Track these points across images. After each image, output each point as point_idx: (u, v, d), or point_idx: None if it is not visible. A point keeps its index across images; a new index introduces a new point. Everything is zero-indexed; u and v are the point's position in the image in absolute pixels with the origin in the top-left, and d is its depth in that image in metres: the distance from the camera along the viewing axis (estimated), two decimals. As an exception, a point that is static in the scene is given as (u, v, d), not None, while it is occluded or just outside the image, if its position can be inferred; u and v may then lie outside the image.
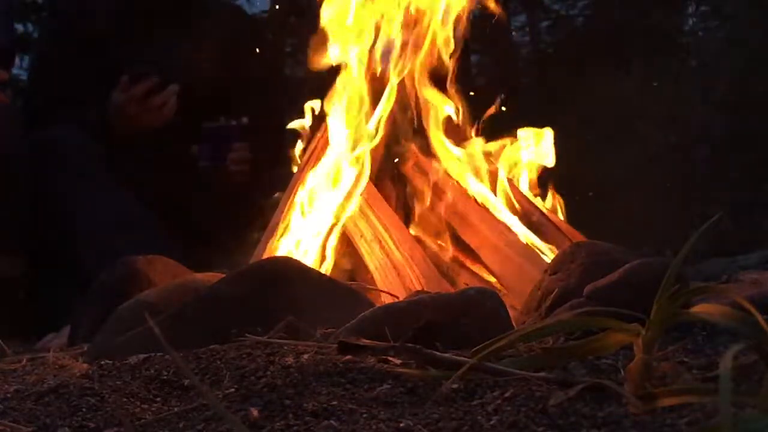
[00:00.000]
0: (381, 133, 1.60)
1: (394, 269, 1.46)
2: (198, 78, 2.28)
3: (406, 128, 1.65)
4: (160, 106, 2.21)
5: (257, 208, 1.85)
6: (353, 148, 1.59)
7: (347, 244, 1.57)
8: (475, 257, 1.56)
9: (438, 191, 1.60)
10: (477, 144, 1.68)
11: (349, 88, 1.62)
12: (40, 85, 2.37)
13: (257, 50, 2.56)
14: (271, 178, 2.18)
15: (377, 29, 1.61)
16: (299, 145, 1.79)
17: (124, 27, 2.31)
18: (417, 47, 1.61)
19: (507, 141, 1.74)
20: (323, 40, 1.61)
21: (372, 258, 1.50)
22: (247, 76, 2.41)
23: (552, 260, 1.29)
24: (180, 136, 2.28)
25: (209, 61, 2.35)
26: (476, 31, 1.69)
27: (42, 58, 2.47)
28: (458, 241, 1.59)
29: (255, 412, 0.75)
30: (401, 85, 1.63)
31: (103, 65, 2.26)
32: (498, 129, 1.74)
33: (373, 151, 1.60)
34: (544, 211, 1.67)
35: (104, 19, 2.31)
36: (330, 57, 1.62)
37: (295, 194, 1.64)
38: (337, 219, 1.55)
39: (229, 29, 2.43)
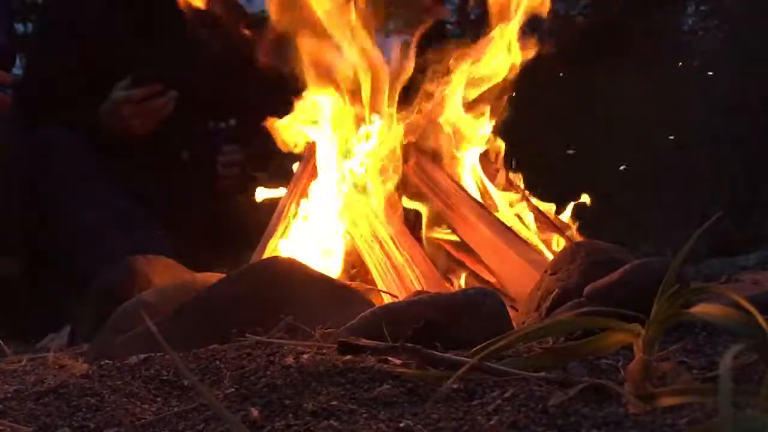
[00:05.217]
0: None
1: (394, 269, 1.46)
2: (194, 80, 2.28)
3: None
4: (156, 112, 2.20)
5: (251, 209, 1.85)
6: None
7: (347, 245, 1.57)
8: (475, 257, 1.56)
9: (438, 189, 1.60)
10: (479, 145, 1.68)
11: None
12: (32, 85, 2.37)
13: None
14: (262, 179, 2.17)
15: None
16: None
17: (117, 29, 2.30)
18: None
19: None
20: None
21: (372, 258, 1.50)
22: (242, 78, 2.40)
23: (552, 260, 1.28)
24: (176, 137, 2.28)
25: (205, 64, 2.34)
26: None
27: (34, 58, 2.46)
28: (458, 241, 1.58)
29: (255, 412, 0.75)
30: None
31: (96, 67, 2.25)
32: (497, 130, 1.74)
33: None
34: (544, 210, 1.67)
35: (98, 21, 2.31)
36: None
37: (295, 194, 1.64)
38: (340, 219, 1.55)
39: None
